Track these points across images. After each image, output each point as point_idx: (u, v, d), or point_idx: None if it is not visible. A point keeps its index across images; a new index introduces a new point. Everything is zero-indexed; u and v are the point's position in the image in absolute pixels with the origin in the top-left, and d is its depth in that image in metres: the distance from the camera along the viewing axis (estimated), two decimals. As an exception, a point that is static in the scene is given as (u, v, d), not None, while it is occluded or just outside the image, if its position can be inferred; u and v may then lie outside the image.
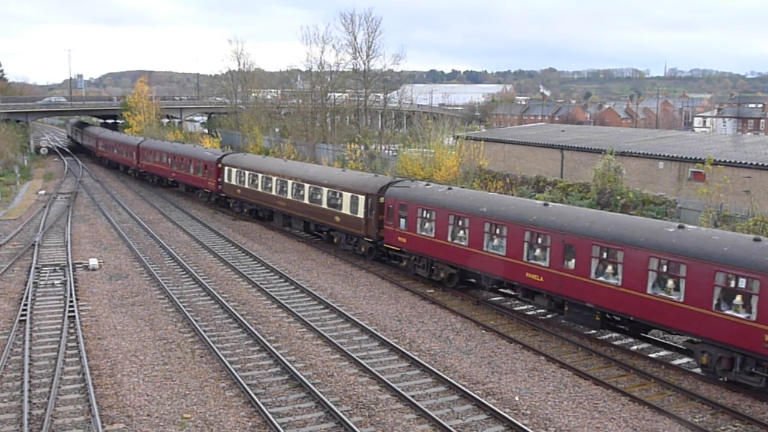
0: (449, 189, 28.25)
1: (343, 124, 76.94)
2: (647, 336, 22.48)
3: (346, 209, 32.35)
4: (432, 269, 27.97)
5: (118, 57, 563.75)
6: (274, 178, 38.90)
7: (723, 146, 43.89)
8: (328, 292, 27.77)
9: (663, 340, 22.38)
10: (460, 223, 26.04)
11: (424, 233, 27.69)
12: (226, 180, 45.17)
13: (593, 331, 23.21)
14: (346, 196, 32.28)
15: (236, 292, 27.70)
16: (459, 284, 27.39)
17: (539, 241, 23.02)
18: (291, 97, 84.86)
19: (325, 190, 34.11)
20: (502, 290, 26.61)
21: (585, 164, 45.00)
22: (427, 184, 29.93)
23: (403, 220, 28.74)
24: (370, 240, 31.37)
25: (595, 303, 21.29)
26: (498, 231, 24.50)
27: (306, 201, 35.83)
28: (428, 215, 27.43)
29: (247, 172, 42.18)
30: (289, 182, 37.36)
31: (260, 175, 40.46)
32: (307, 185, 35.72)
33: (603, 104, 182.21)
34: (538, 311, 25.35)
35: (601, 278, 21.05)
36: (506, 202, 25.40)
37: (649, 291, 19.67)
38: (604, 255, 21.05)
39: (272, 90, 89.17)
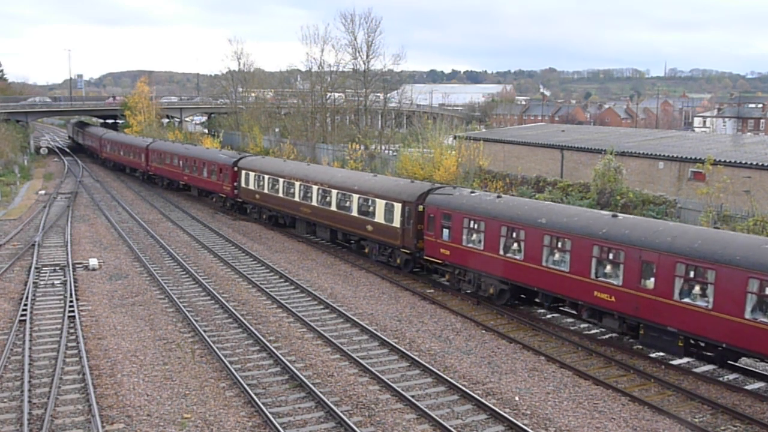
0: (499, 197, 26.09)
1: (343, 124, 76.96)
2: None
3: (379, 218, 30.22)
4: (479, 284, 25.87)
5: (118, 57, 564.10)
6: (297, 183, 36.71)
7: (723, 146, 43.89)
8: (328, 292, 27.77)
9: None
10: (514, 235, 23.99)
11: (471, 245, 25.64)
12: (243, 184, 43.02)
13: (593, 331, 23.20)
14: (380, 204, 30.15)
15: (236, 292, 27.70)
16: (510, 300, 25.32)
17: (610, 256, 20.95)
18: (290, 97, 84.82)
19: (355, 196, 31.98)
20: (562, 309, 24.77)
21: (585, 164, 45.00)
22: (472, 192, 27.65)
23: (446, 231, 26.66)
24: (407, 251, 29.25)
25: (679, 327, 19.32)
26: (560, 245, 22.42)
27: (333, 208, 33.65)
28: (476, 226, 25.37)
29: (266, 177, 39.97)
30: (314, 188, 35.09)
31: (281, 180, 38.40)
32: (334, 191, 33.57)
33: (603, 104, 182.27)
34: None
35: (686, 300, 19.11)
36: (569, 213, 23.06)
37: (747, 316, 17.71)
38: (691, 274, 19.03)
39: (265, 90, 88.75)
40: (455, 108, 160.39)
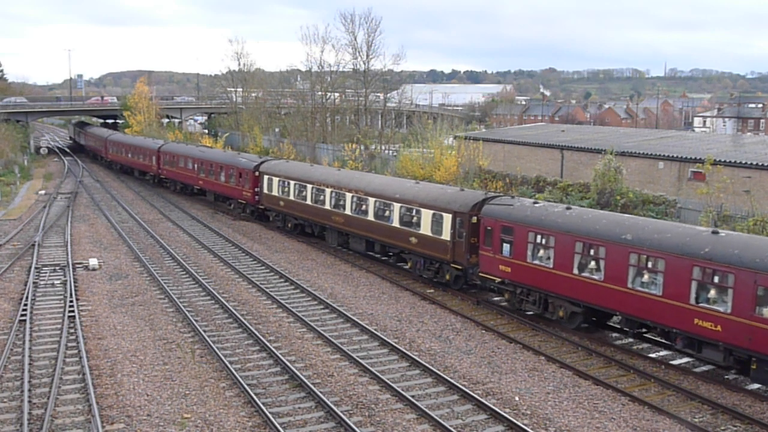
0: (568, 208, 23.55)
1: (343, 124, 76.97)
2: (648, 336, 22.22)
3: (425, 229, 27.77)
4: (545, 305, 23.60)
5: (118, 57, 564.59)
6: (328, 190, 34.06)
7: (723, 146, 43.88)
8: (328, 292, 27.77)
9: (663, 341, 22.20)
10: (591, 252, 21.59)
11: (537, 262, 23.27)
12: (265, 190, 40.24)
13: (593, 331, 23.20)
14: (426, 214, 27.70)
15: (236, 292, 27.70)
16: (582, 324, 22.96)
17: (716, 280, 18.59)
18: (289, 97, 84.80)
19: (396, 205, 29.45)
20: (646, 336, 22.30)
21: (585, 164, 44.99)
22: (535, 202, 25.15)
23: (507, 246, 24.21)
24: (458, 267, 26.68)
25: None
26: (650, 264, 20.06)
27: (370, 218, 31.04)
28: (544, 241, 22.95)
29: (292, 182, 37.28)
30: (348, 195, 32.54)
31: (309, 186, 35.67)
32: (371, 199, 30.97)
33: (603, 104, 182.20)
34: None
35: None
36: (659, 229, 20.55)
37: None
38: None
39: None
40: (455, 108, 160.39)
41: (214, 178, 47.24)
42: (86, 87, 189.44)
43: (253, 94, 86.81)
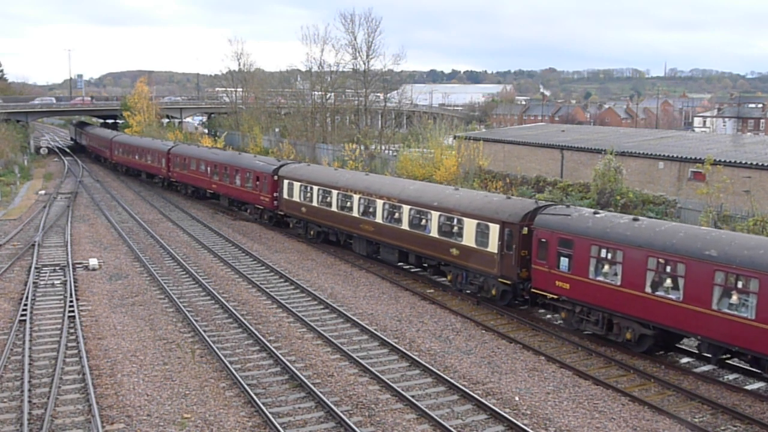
0: (636, 219, 21.53)
1: (343, 124, 76.97)
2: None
3: (468, 240, 25.85)
4: (610, 325, 21.67)
5: (118, 57, 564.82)
6: (356, 196, 32.01)
7: (723, 146, 43.89)
8: (328, 292, 27.77)
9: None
10: (667, 269, 19.68)
11: (601, 279, 21.29)
12: (285, 195, 38.01)
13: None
14: (470, 224, 25.74)
15: (236, 292, 27.71)
16: (652, 348, 21.09)
17: None
18: (288, 97, 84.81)
19: (434, 214, 27.50)
20: (733, 363, 20.34)
21: (585, 164, 45.00)
22: (595, 212, 23.08)
23: (565, 260, 22.32)
24: (506, 281, 24.74)
25: None
26: (740, 284, 18.18)
27: (404, 226, 29.11)
28: (610, 255, 21.06)
29: (315, 188, 35.07)
30: (379, 202, 30.51)
31: (335, 192, 33.54)
32: (406, 207, 29.00)
33: (603, 104, 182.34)
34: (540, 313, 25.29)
35: None
36: (749, 245, 18.49)
37: None
38: None
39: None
40: (455, 108, 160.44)
41: (229, 182, 45.09)
42: (86, 87, 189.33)
43: (252, 95, 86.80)
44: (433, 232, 27.61)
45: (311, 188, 35.54)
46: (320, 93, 74.07)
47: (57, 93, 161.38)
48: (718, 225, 30.45)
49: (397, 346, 21.36)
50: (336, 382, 18.85)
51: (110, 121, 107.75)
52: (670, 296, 19.61)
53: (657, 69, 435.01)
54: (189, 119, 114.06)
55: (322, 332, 22.49)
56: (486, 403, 17.37)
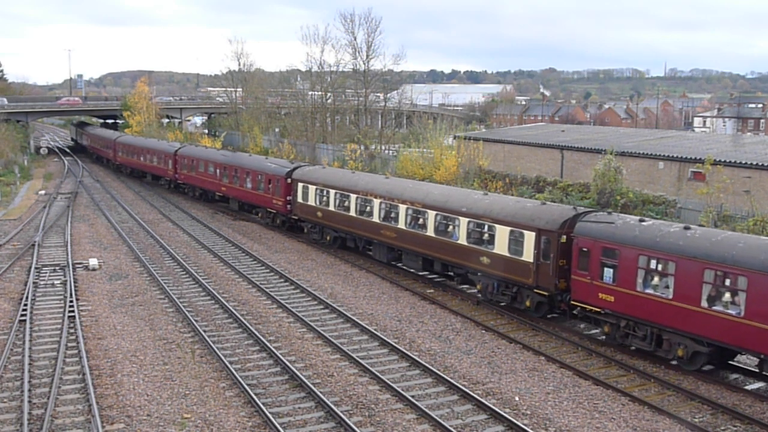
0: (687, 228, 20.22)
1: (343, 124, 77.00)
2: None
3: (500, 249, 24.45)
4: (659, 341, 20.43)
5: (118, 57, 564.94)
6: (377, 201, 30.67)
7: (723, 146, 43.90)
8: (328, 292, 27.77)
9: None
10: (726, 282, 18.52)
11: (650, 291, 20.00)
12: (299, 199, 36.60)
13: (593, 331, 23.20)
14: (502, 231, 24.38)
15: (236, 292, 27.71)
16: (706, 365, 19.99)
17: None
18: (289, 97, 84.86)
19: (463, 220, 26.14)
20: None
21: (585, 164, 45.01)
22: (641, 219, 21.60)
23: (609, 271, 20.99)
24: (542, 292, 23.39)
25: None
26: None
27: (430, 233, 27.76)
28: (660, 266, 19.81)
29: (332, 191, 33.75)
30: (402, 207, 29.20)
31: (353, 196, 32.25)
32: (431, 212, 27.69)
33: (603, 104, 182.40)
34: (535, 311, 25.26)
35: None
36: None
37: None
38: None
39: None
40: (455, 108, 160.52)
41: (239, 185, 43.59)
42: (86, 87, 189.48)
43: (253, 96, 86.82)
44: (461, 239, 26.23)
45: (328, 192, 34.20)
46: (320, 93, 74.07)
47: (57, 93, 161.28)
48: (718, 225, 30.46)
49: (397, 346, 21.36)
50: (336, 382, 18.85)
51: (110, 121, 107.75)
52: (729, 311, 18.36)
53: (657, 69, 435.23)
54: (190, 119, 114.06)
55: (322, 332, 22.49)
56: (486, 403, 17.37)
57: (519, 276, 23.94)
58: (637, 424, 16.78)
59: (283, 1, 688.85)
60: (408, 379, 19.15)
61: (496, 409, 16.99)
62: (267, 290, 27.52)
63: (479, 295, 26.28)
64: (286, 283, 29.05)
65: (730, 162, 36.62)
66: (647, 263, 20.17)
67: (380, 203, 30.60)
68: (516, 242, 23.93)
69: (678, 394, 18.54)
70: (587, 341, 22.39)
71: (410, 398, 17.52)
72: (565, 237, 22.56)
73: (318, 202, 35.07)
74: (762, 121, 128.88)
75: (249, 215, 44.33)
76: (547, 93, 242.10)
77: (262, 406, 16.92)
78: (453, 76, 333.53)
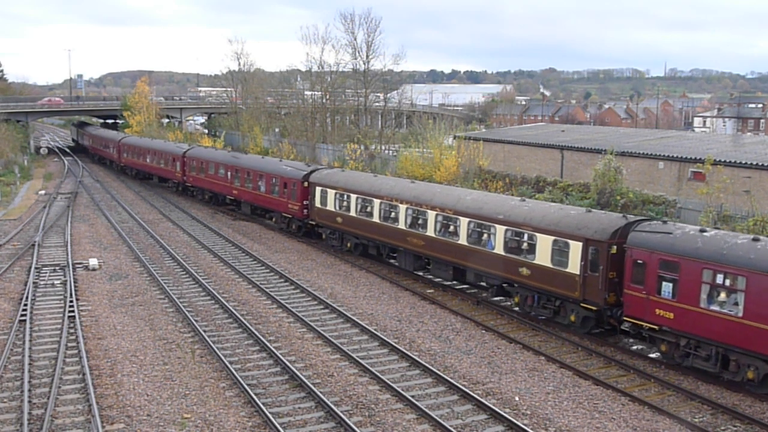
0: (755, 239, 18.71)
1: (343, 124, 77.02)
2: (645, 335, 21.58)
3: (542, 259, 23.04)
4: (724, 362, 19.06)
5: (118, 57, 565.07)
6: (403, 206, 29.24)
7: (723, 146, 43.89)
8: (328, 292, 27.77)
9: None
10: None
11: (716, 308, 18.63)
12: (317, 204, 34.94)
13: (593, 331, 23.18)
14: (545, 241, 22.95)
15: (236, 292, 27.71)
16: None
17: None
18: (290, 97, 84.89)
19: (499, 228, 24.66)
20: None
21: (585, 164, 45.01)
22: (702, 230, 19.99)
23: (667, 285, 19.61)
24: (590, 307, 21.90)
25: None
26: None
27: (462, 241, 26.30)
28: (728, 282, 18.40)
29: (353, 196, 32.28)
30: (431, 213, 27.78)
31: (377, 201, 30.72)
32: (463, 219, 26.23)
33: (603, 104, 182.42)
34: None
35: None
36: None
37: None
38: None
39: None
40: (455, 108, 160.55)
41: (252, 188, 42.10)
42: (86, 87, 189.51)
43: (252, 96, 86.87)
44: (498, 249, 24.72)
45: (348, 197, 32.65)
46: (319, 93, 74.08)
47: (57, 93, 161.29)
48: (717, 225, 30.45)
49: (397, 346, 21.36)
50: (336, 382, 18.85)
51: (110, 121, 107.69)
52: None
53: (657, 69, 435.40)
54: (190, 119, 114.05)
55: (322, 332, 22.49)
56: (486, 403, 17.38)
57: (563, 289, 22.50)
58: (637, 424, 16.78)
59: (284, 1, 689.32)
60: (408, 379, 19.15)
61: (496, 409, 16.99)
62: (267, 290, 27.52)
63: (516, 309, 25.24)
64: (286, 283, 29.05)
65: (730, 162, 36.61)
66: (713, 278, 18.69)
67: (406, 209, 29.20)
68: (560, 252, 22.47)
69: (678, 394, 18.54)
70: (587, 341, 22.38)
71: (410, 398, 17.52)
72: (615, 247, 21.17)
73: (338, 207, 33.49)
74: (762, 121, 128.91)
75: (262, 220, 43.16)
76: (547, 93, 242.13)
77: (262, 406, 16.92)
78: (453, 76, 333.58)
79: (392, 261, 32.07)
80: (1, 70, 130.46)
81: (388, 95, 77.63)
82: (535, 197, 37.11)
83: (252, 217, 43.91)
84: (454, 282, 28.28)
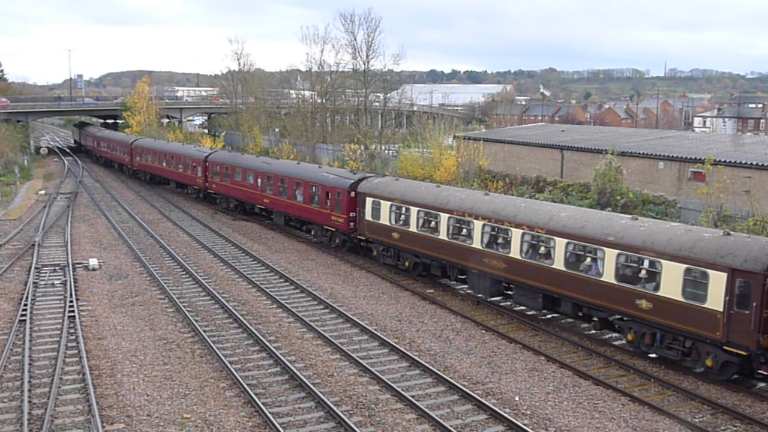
0: None
1: (343, 124, 77.02)
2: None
3: (668, 291, 19.54)
4: None
5: (118, 57, 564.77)
6: (478, 223, 25.77)
7: (723, 146, 43.88)
8: (328, 292, 27.77)
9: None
10: None
11: None
12: (368, 217, 31.37)
13: (593, 331, 23.20)
14: (672, 269, 19.43)
15: (236, 292, 27.71)
16: None
17: None
18: (286, 98, 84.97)
19: (609, 252, 21.05)
20: None
21: (585, 164, 45.01)
22: None
23: None
24: (738, 351, 18.44)
25: None
26: None
27: (557, 266, 22.69)
28: None
29: (413, 209, 28.76)
30: (515, 231, 24.20)
31: (444, 216, 27.23)
32: (560, 240, 22.60)
33: (603, 104, 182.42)
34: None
35: None
36: None
37: None
38: None
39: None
40: (455, 108, 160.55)
41: (287, 198, 38.32)
42: (86, 87, 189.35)
43: (252, 98, 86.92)
44: (607, 276, 21.15)
45: (408, 209, 29.20)
46: (318, 93, 74.06)
47: (57, 93, 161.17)
48: (717, 225, 30.46)
49: (397, 346, 21.36)
50: (336, 382, 18.85)
51: (110, 121, 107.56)
52: None
53: (657, 69, 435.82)
54: (191, 119, 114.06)
55: (322, 332, 22.49)
56: (486, 403, 17.38)
57: (699, 328, 19.01)
58: (637, 424, 16.78)
59: (285, 1, 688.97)
60: (408, 379, 19.15)
61: (496, 409, 16.99)
62: (267, 290, 27.53)
63: (630, 348, 21.57)
64: (286, 283, 29.05)
65: (730, 162, 36.61)
66: None
67: (483, 225, 25.68)
68: (694, 284, 19.05)
69: (678, 394, 18.54)
70: (587, 341, 22.38)
71: (410, 398, 17.52)
72: None
73: (394, 222, 30.03)
74: (762, 121, 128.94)
75: (299, 232, 39.57)
76: (547, 93, 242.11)
77: (262, 406, 16.92)
78: (453, 76, 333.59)
79: (456, 284, 28.90)
80: (1, 70, 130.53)
81: (388, 95, 77.59)
82: (535, 197, 37.11)
83: (288, 229, 40.35)
84: (544, 311, 24.67)
